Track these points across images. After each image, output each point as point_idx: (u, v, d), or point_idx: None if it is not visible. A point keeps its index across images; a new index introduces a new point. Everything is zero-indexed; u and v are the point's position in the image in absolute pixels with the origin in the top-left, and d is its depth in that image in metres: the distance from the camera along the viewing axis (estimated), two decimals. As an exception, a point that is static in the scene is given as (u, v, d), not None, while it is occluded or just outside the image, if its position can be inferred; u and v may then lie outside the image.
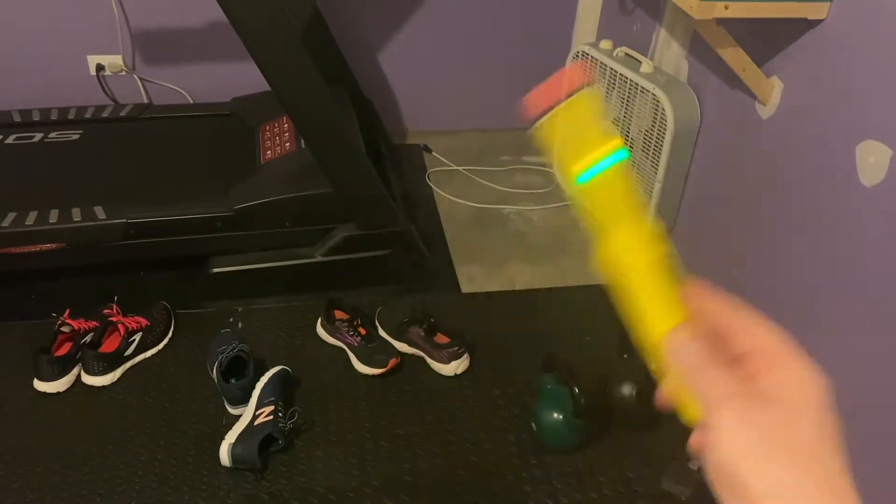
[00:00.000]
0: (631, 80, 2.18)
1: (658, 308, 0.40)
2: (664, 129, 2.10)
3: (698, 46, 2.15)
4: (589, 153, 0.41)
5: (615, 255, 0.41)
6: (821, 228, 1.69)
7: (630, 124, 2.25)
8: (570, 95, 0.41)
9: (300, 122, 1.82)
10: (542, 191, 2.65)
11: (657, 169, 2.18)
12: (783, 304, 1.84)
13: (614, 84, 2.26)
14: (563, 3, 2.75)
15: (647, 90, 2.12)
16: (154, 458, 1.64)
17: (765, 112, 1.86)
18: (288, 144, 2.14)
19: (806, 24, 1.66)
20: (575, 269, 2.29)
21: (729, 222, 2.07)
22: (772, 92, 1.82)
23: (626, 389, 1.67)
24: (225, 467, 1.59)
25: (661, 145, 2.13)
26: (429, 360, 1.89)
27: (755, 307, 0.41)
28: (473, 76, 2.86)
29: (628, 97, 2.22)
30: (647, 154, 2.21)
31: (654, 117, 2.13)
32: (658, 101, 2.09)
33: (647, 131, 2.18)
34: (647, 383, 1.66)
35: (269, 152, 2.16)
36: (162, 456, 1.65)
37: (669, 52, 2.27)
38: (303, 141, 2.07)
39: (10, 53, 2.48)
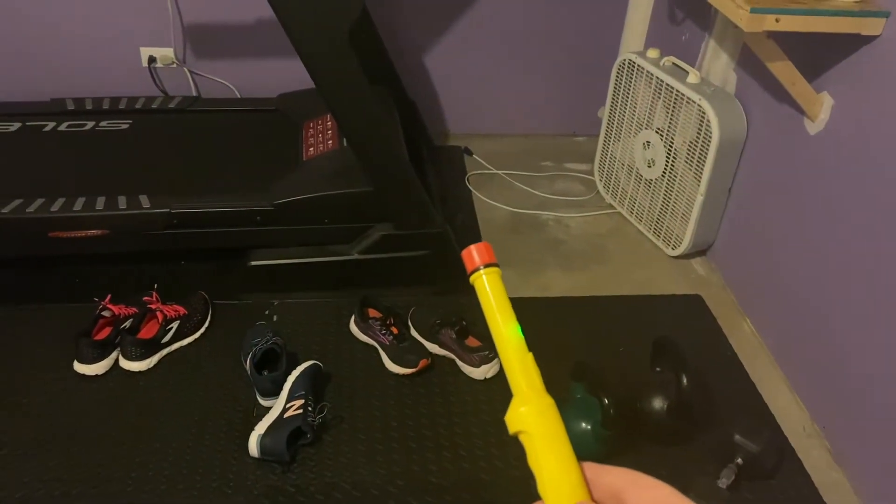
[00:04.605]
0: (677, 91, 2.16)
1: (557, 482, 0.43)
2: (709, 141, 2.08)
3: (747, 59, 2.11)
4: (502, 318, 0.47)
5: (517, 424, 0.45)
6: (868, 248, 1.65)
7: (675, 134, 2.22)
8: (486, 265, 0.47)
9: (343, 121, 1.83)
10: (581, 198, 2.63)
11: (700, 181, 2.15)
12: (826, 321, 1.80)
13: (660, 93, 2.24)
14: (611, 12, 2.73)
15: (693, 101, 2.10)
16: (185, 445, 1.67)
17: (813, 128, 1.82)
18: (330, 142, 2.16)
19: (860, 40, 1.63)
20: (610, 278, 2.27)
21: (772, 238, 2.03)
22: (821, 108, 1.78)
23: (657, 403, 1.65)
24: (253, 458, 1.62)
25: (705, 157, 2.10)
26: (459, 363, 1.89)
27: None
28: (519, 81, 2.85)
29: (674, 107, 2.19)
30: (691, 166, 2.18)
31: (699, 129, 2.10)
32: (704, 113, 2.07)
33: (691, 142, 2.16)
34: (679, 398, 1.64)
35: (311, 149, 2.18)
36: (192, 443, 1.68)
37: (717, 64, 2.24)
38: (345, 140, 2.09)
39: (67, 44, 2.55)
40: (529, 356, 0.47)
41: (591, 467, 0.44)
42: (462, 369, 1.89)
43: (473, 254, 0.48)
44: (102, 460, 1.63)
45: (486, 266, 0.48)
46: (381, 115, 1.84)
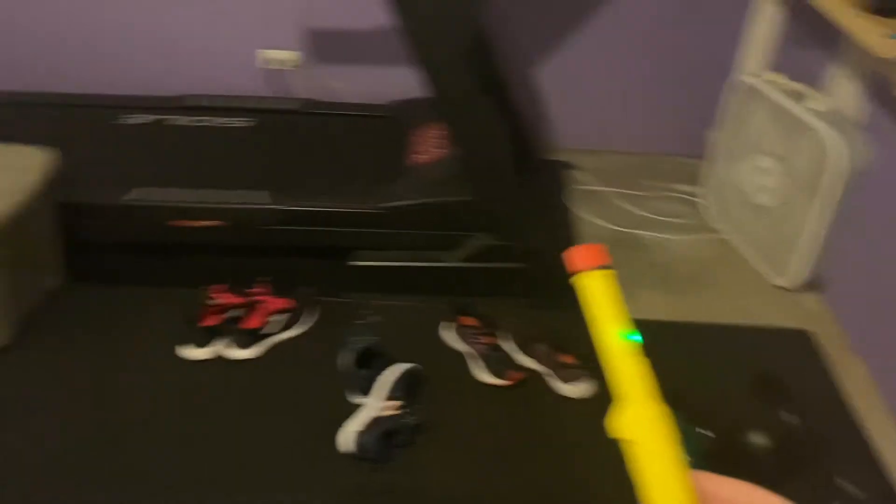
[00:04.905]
0: (796, 116, 2.08)
1: (667, 493, 0.41)
2: (829, 171, 1.99)
3: (875, 85, 2.01)
4: (619, 321, 0.46)
5: (630, 430, 0.44)
6: None
7: (791, 162, 2.14)
8: (598, 266, 0.46)
9: (456, 131, 1.86)
10: (686, 221, 2.57)
11: (816, 214, 2.06)
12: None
13: (778, 118, 2.16)
14: (727, 30, 2.66)
15: (814, 128, 2.01)
16: (277, 434, 1.72)
17: (947, 163, 1.72)
18: (438, 150, 2.19)
19: None
20: (712, 306, 2.20)
21: (894, 275, 1.93)
22: (958, 142, 1.68)
23: (760, 439, 1.59)
24: (343, 453, 1.64)
25: (824, 187, 2.01)
26: (552, 379, 1.88)
27: None
28: (627, 97, 2.82)
29: (792, 133, 2.11)
30: (807, 195, 2.09)
31: (819, 157, 2.02)
32: (825, 141, 1.98)
33: (809, 171, 2.07)
34: (782, 436, 1.57)
35: (419, 156, 2.22)
36: (285, 433, 1.72)
37: (843, 90, 2.14)
38: (453, 149, 2.11)
39: (191, 43, 2.69)
40: (644, 360, 0.46)
41: (710, 478, 0.43)
42: (554, 385, 1.87)
43: (577, 254, 0.47)
44: (195, 442, 1.70)
45: (594, 268, 0.47)
46: (493, 128, 1.86)
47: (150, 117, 2.44)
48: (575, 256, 0.47)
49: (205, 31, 2.68)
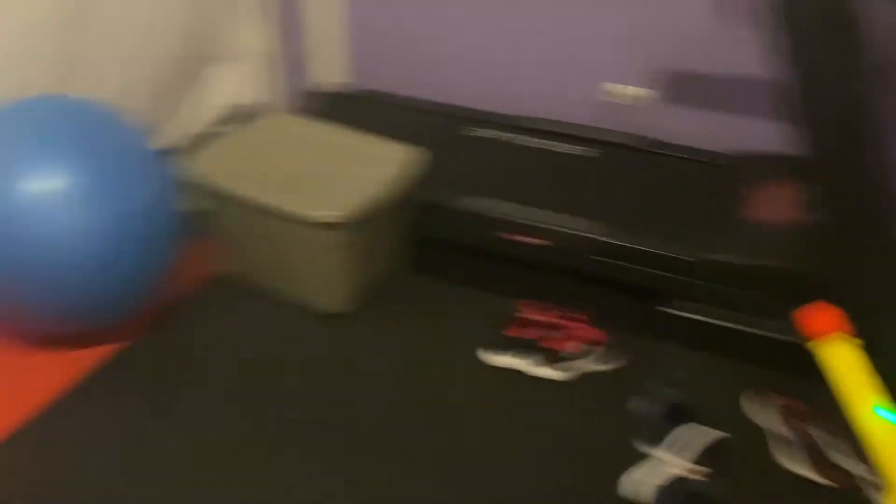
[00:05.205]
0: None
1: None
2: None
3: None
4: (874, 396, 0.34)
5: None
6: None
7: None
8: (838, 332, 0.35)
9: (821, 197, 1.71)
10: None
11: None
12: None
13: None
14: None
15: None
16: (557, 461, 1.72)
17: None
18: (782, 211, 2.06)
19: None
20: None
21: None
22: None
23: None
24: (623, 499, 1.59)
25: None
26: (875, 489, 1.65)
27: None
28: None
29: None
30: None
31: None
32: None
33: None
34: None
35: (757, 213, 2.11)
36: (565, 461, 1.72)
37: None
38: (805, 213, 1.95)
39: (540, 68, 2.81)
40: None
41: None
42: (877, 498, 1.64)
43: (813, 317, 0.38)
44: (461, 440, 1.77)
45: (834, 333, 0.38)
46: (867, 203, 1.68)
47: (492, 133, 2.59)
48: (811, 319, 0.39)
49: (554, 59, 2.78)
